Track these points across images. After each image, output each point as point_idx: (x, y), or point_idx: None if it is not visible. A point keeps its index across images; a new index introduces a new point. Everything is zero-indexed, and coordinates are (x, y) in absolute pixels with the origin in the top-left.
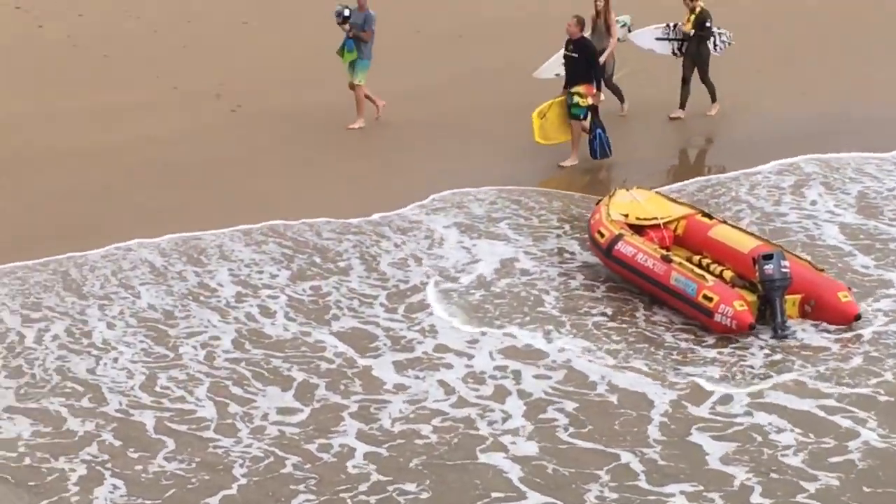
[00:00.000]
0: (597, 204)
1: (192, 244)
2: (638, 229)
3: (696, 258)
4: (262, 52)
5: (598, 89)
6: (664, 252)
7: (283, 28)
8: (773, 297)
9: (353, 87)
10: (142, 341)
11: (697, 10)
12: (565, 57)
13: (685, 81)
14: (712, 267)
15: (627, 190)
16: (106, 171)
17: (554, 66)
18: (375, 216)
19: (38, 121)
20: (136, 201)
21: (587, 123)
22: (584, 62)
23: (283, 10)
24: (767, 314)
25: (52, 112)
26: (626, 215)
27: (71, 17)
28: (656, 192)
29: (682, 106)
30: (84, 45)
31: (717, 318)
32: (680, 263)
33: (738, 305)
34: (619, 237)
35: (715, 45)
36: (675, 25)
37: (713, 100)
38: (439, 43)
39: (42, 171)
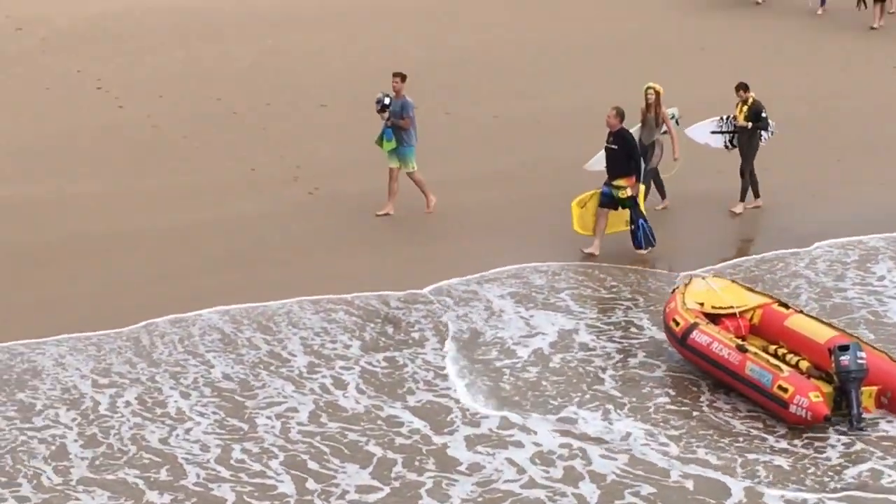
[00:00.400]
0: (672, 292)
1: (261, 311)
2: (713, 318)
3: (772, 348)
4: (339, 135)
5: (639, 181)
6: (739, 342)
7: (359, 112)
8: (849, 388)
9: (392, 173)
10: (215, 412)
11: (750, 101)
12: (606, 149)
13: (743, 174)
14: (788, 357)
15: (703, 278)
16: (184, 251)
17: (603, 159)
18: (433, 287)
19: (118, 201)
20: (210, 278)
21: (628, 214)
22: (624, 154)
23: (360, 94)
24: (843, 405)
25: (131, 193)
26: (702, 304)
27: (152, 98)
28: (732, 281)
29: (743, 198)
30: (164, 126)
31: (793, 409)
32: (755, 353)
33: (813, 396)
34: (693, 326)
35: (767, 131)
36: (728, 118)
37: (756, 195)
38: (515, 128)
39: (123, 251)
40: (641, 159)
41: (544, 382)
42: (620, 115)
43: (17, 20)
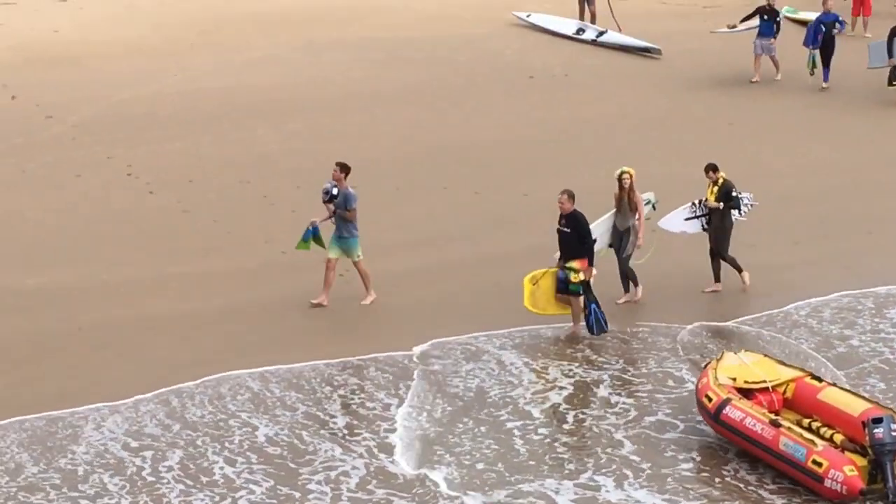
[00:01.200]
0: (704, 367)
1: (289, 368)
2: (746, 393)
3: (806, 421)
4: (369, 217)
5: (591, 264)
6: (773, 416)
7: (387, 195)
8: (884, 461)
9: (329, 263)
10: (266, 479)
11: (720, 181)
12: (558, 231)
13: (714, 255)
14: (822, 430)
15: (735, 353)
16: (217, 333)
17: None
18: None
19: (151, 286)
20: (242, 359)
21: (582, 299)
22: (577, 237)
23: (387, 176)
24: (879, 479)
25: (163, 277)
26: (734, 379)
27: (181, 183)
28: (765, 355)
29: (717, 279)
30: (194, 210)
31: (828, 483)
32: (789, 428)
33: (848, 471)
34: (726, 402)
35: (739, 209)
36: (700, 201)
37: (739, 270)
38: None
39: (156, 334)
40: (595, 243)
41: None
42: (572, 197)
43: (47, 108)
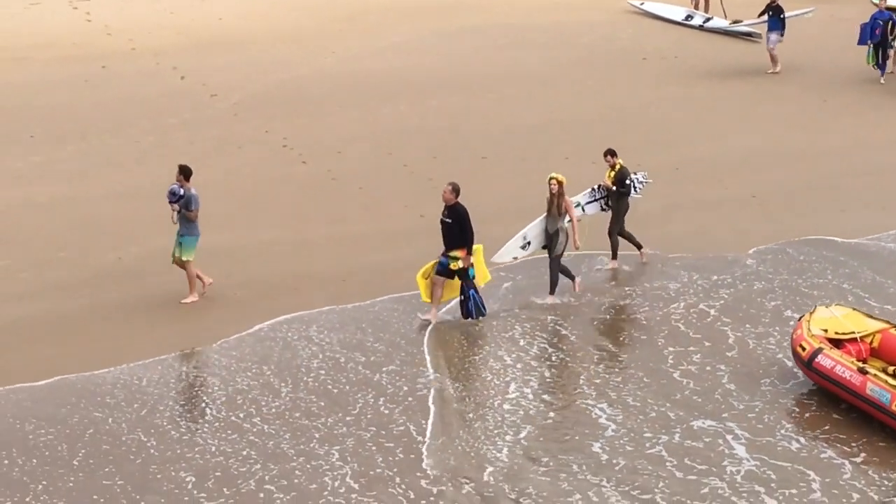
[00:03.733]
0: (798, 319)
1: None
2: (836, 343)
3: (891, 369)
4: (498, 184)
5: (470, 253)
6: (860, 364)
7: (516, 164)
8: None
9: (180, 263)
10: None
11: (617, 166)
12: (441, 222)
13: (611, 234)
14: None
15: (826, 307)
16: (358, 288)
17: (512, 249)
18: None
19: (303, 247)
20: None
21: (466, 283)
22: (458, 227)
23: (516, 148)
24: None
25: (313, 239)
26: (826, 330)
27: (331, 154)
28: (854, 309)
29: (615, 256)
30: (342, 178)
31: None
32: (875, 374)
33: None
34: (818, 350)
35: (635, 188)
36: (599, 186)
37: (613, 256)
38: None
39: (308, 288)
40: (529, 245)
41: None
42: (456, 190)
43: (212, 87)
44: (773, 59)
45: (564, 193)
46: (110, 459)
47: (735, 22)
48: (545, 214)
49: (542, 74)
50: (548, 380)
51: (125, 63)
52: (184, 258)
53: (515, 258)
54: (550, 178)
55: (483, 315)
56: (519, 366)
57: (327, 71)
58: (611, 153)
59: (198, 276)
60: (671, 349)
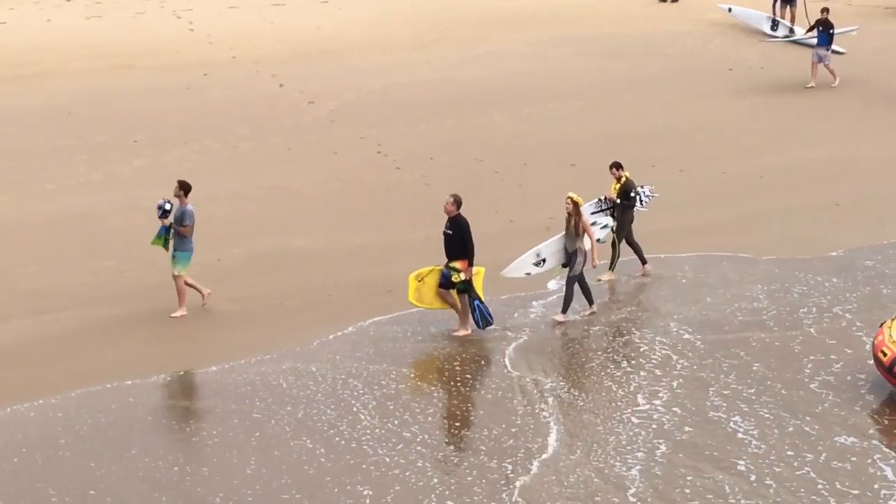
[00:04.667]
0: (881, 326)
1: None
2: None
3: None
4: (586, 190)
5: (471, 265)
6: None
7: (603, 171)
8: None
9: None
10: None
11: (623, 179)
12: (444, 234)
13: (614, 245)
14: None
15: None
16: None
17: (524, 265)
18: None
19: (395, 250)
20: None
21: (465, 297)
22: (459, 239)
23: (603, 155)
24: None
25: (406, 243)
26: None
27: (424, 160)
28: None
29: (612, 267)
30: (435, 184)
31: None
32: None
33: None
34: None
35: (641, 202)
36: (605, 197)
37: (611, 266)
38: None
39: (400, 291)
40: (545, 262)
41: None
42: (458, 202)
43: (310, 94)
44: (832, 73)
45: (582, 214)
46: (283, 469)
47: (785, 36)
48: (563, 233)
49: (632, 83)
50: (676, 390)
51: (226, 71)
52: (174, 272)
53: (528, 274)
54: (566, 198)
55: (489, 325)
56: (642, 374)
57: (422, 79)
58: (616, 166)
59: (197, 289)
60: (811, 357)
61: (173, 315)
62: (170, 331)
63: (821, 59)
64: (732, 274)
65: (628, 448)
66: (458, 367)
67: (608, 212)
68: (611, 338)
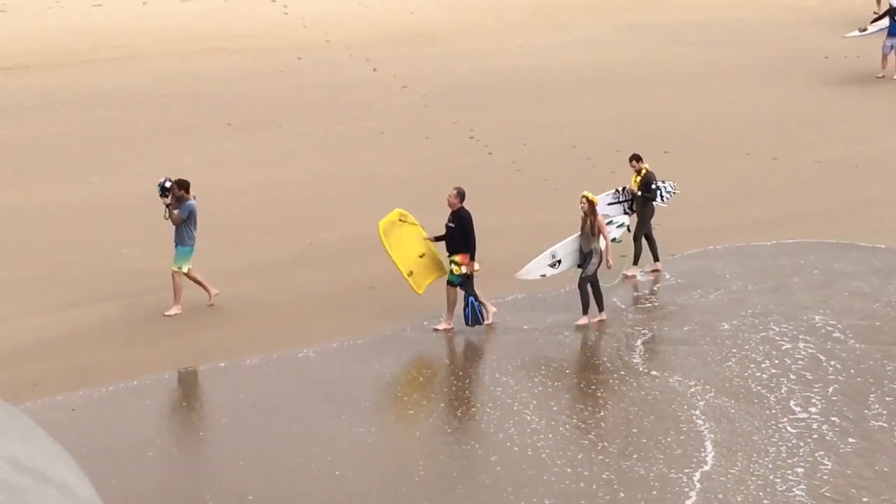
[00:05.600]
0: None
1: None
2: None
3: None
4: (680, 177)
5: (472, 259)
6: None
7: (698, 157)
8: None
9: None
10: None
11: (643, 171)
12: (446, 227)
13: (637, 239)
14: None
15: None
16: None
17: (540, 267)
18: None
19: (487, 234)
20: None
21: (461, 291)
22: (461, 232)
23: (699, 142)
24: None
25: (497, 228)
26: None
27: (516, 145)
28: None
29: (636, 262)
30: (527, 170)
31: None
32: None
33: None
34: None
35: (662, 197)
36: (623, 188)
37: (655, 258)
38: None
39: (505, 275)
40: (560, 263)
41: None
42: (461, 195)
43: (403, 80)
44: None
45: (597, 213)
46: (455, 476)
47: (862, 30)
48: (579, 233)
49: (722, 71)
50: (830, 396)
51: (319, 55)
52: (173, 267)
53: (544, 276)
54: (581, 197)
55: (480, 323)
56: (792, 377)
57: (513, 64)
58: (636, 158)
59: (203, 287)
60: None
61: (167, 313)
62: (266, 314)
63: (894, 49)
64: (846, 264)
65: (788, 461)
66: (588, 359)
67: (626, 204)
68: (747, 334)
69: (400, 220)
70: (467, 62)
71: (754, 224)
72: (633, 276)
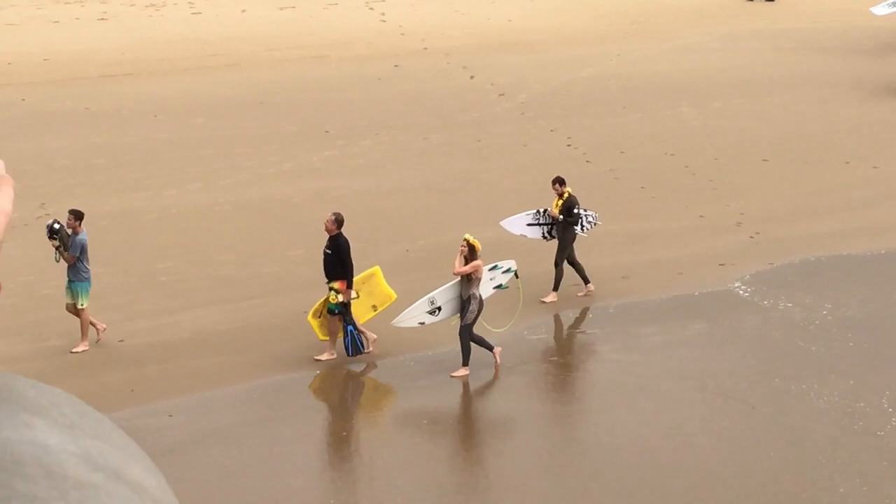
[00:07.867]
0: None
1: None
2: None
3: None
4: (779, 187)
5: (350, 286)
6: None
7: (798, 167)
8: None
9: (73, 311)
10: None
11: (565, 195)
12: (323, 253)
13: (557, 264)
14: None
15: None
16: (632, 287)
17: (417, 314)
18: None
19: (586, 243)
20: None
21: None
22: (338, 259)
23: (798, 151)
24: None
25: (598, 235)
26: None
27: (614, 154)
28: None
29: (556, 288)
30: (624, 178)
31: None
32: None
33: None
34: None
35: (582, 226)
36: (544, 211)
37: (585, 281)
38: None
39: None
40: (440, 311)
41: None
42: (338, 221)
43: (500, 87)
44: None
45: (478, 258)
46: (647, 487)
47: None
48: (457, 280)
49: (823, 79)
50: None
51: (417, 62)
52: (78, 305)
53: (422, 323)
54: (463, 240)
55: (360, 352)
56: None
57: (612, 72)
58: (559, 181)
59: (91, 323)
60: None
61: (75, 350)
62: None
63: None
64: None
65: None
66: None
67: (546, 228)
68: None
69: (318, 318)
70: (565, 70)
71: (859, 232)
72: (553, 302)
